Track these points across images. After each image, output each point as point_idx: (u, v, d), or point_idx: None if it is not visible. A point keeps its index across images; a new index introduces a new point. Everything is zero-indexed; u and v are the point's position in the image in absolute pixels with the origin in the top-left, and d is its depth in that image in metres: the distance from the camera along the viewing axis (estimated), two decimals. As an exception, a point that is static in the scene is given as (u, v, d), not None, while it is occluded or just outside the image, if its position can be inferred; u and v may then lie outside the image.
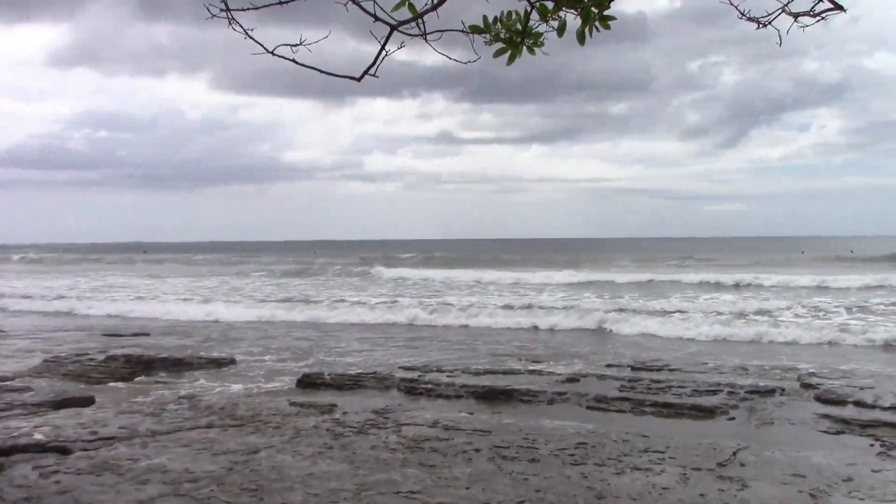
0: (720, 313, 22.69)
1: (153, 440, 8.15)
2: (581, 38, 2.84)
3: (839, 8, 3.05)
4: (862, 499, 6.49)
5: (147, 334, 19.76)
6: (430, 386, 11.74)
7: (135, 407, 10.05)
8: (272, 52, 2.94)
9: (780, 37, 3.05)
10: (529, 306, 25.40)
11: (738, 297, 28.43)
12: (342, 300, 28.72)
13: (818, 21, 3.08)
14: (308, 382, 12.23)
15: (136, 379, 12.89)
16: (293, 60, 2.93)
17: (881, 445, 8.31)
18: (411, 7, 2.80)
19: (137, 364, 13.63)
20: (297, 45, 2.85)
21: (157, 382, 12.64)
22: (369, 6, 2.76)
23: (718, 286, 33.49)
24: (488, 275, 39.60)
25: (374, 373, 13.00)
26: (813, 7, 3.08)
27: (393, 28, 2.85)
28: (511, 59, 2.93)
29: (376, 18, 2.80)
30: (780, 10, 3.08)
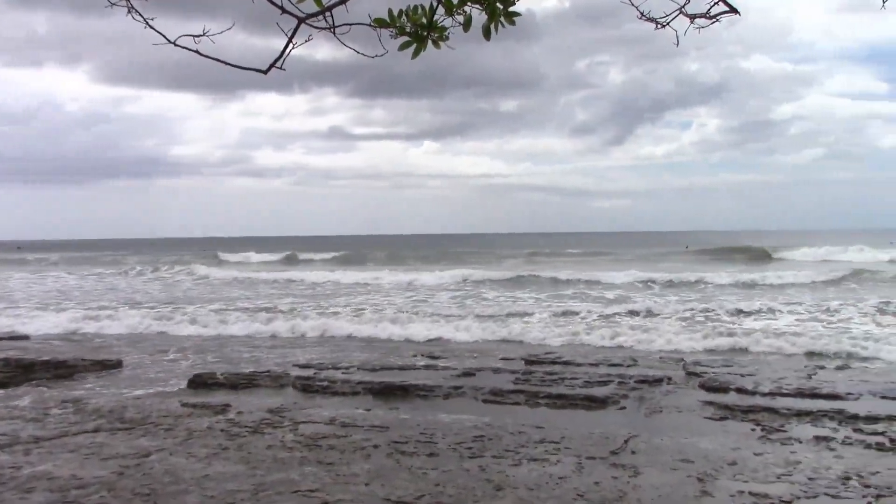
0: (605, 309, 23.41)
1: (37, 446, 7.79)
2: (487, 33, 2.86)
3: (734, 11, 3.18)
4: (746, 481, 6.78)
5: (27, 337, 18.90)
6: (325, 383, 11.64)
7: (15, 413, 9.58)
8: (174, 43, 2.85)
9: (677, 38, 3.16)
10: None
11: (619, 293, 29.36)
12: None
13: (713, 23, 3.20)
14: (200, 383, 11.94)
15: (16, 383, 12.29)
16: (196, 52, 2.85)
17: (762, 430, 8.72)
18: (318, 1, 2.77)
19: (17, 368, 12.99)
20: (201, 35, 2.78)
21: (39, 386, 12.09)
22: (275, -3, 2.72)
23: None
24: (384, 275, 39.44)
25: (268, 371, 12.81)
26: (709, 10, 3.20)
27: (301, 20, 2.81)
28: (416, 53, 2.93)
29: (283, 10, 2.76)
30: (678, 12, 3.19)
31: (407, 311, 22.92)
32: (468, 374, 12.39)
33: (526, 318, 21.01)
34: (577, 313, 22.26)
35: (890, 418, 9.16)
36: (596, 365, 13.14)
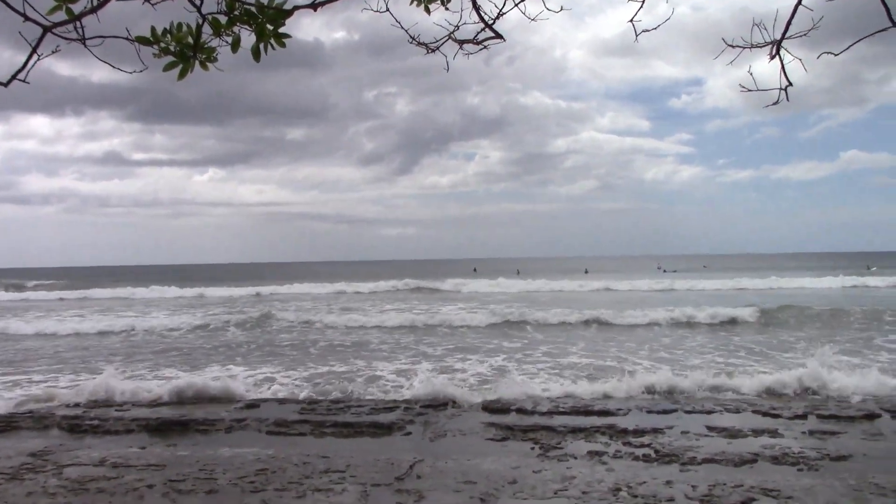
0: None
1: None
2: (256, 54, 2.77)
3: (499, 37, 3.29)
4: (525, 498, 7.00)
5: None
6: (96, 422, 10.88)
7: None
8: None
9: (447, 63, 3.23)
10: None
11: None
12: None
13: (481, 49, 3.30)
14: (-51, 428, 10.79)
15: None
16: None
17: (540, 448, 9.05)
18: (69, 10, 2.56)
19: None
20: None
21: None
22: (18, 4, 2.49)
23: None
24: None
25: (30, 412, 11.80)
26: (476, 35, 3.30)
27: (46, 30, 2.59)
28: (182, 74, 2.78)
29: (26, 18, 2.53)
30: (447, 38, 3.26)
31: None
32: (252, 405, 12.01)
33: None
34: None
35: (655, 430, 9.81)
36: (385, 392, 13.17)
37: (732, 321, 24.94)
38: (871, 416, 10.43)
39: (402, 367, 16.32)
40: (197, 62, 2.80)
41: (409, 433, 10.15)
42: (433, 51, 3.24)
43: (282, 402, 12.44)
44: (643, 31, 3.38)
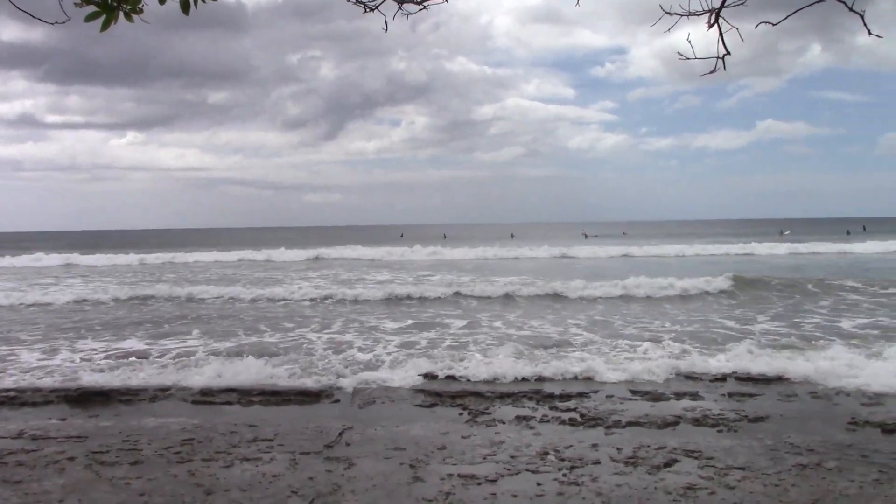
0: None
1: None
2: (185, 7, 2.64)
3: (443, -2, 3.23)
4: (455, 464, 7.04)
5: None
6: (13, 393, 10.54)
7: None
8: None
9: (385, 22, 3.15)
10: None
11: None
12: None
13: (421, 10, 3.22)
14: None
15: None
16: None
17: (468, 414, 9.10)
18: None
19: None
20: None
21: None
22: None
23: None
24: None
25: (-59, 383, 11.36)
26: (417, -6, 3.22)
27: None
28: (105, 25, 2.64)
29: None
30: (389, -4, 3.18)
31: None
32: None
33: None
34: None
35: (581, 395, 9.97)
36: (311, 356, 13.06)
37: (705, 294, 24.18)
38: (783, 379, 10.79)
39: (332, 337, 16.18)
40: (122, 13, 2.66)
41: (338, 400, 10.10)
42: (372, 9, 3.16)
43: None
44: (578, -6, 3.34)
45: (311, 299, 23.15)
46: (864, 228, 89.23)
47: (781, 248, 49.80)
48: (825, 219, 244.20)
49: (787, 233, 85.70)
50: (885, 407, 9.24)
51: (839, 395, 9.90)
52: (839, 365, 11.19)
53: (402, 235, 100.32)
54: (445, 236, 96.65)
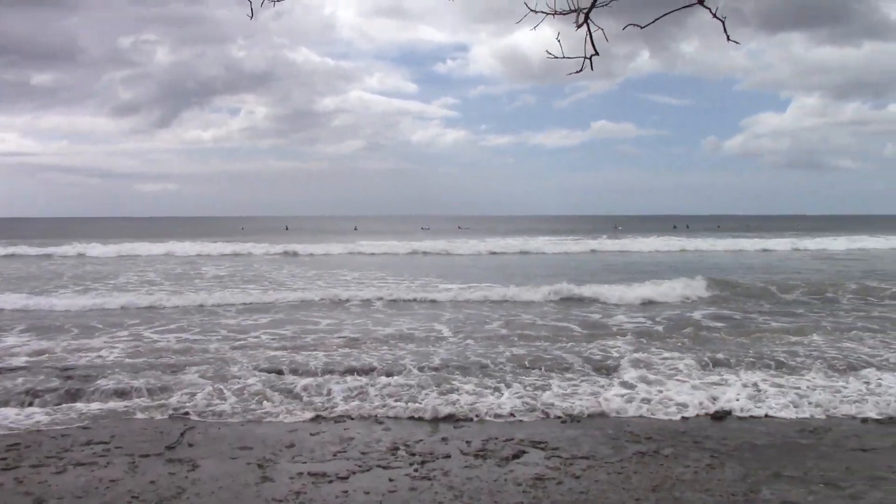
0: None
1: None
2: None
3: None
4: (304, 462, 6.90)
5: None
6: None
7: None
8: None
9: (251, 9, 3.00)
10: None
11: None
12: None
13: (280, -1, 3.08)
14: None
15: None
16: None
17: (315, 410, 8.94)
18: None
19: None
20: None
21: None
22: None
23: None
24: None
25: None
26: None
27: None
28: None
29: None
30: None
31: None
32: (-1, 374, 10.95)
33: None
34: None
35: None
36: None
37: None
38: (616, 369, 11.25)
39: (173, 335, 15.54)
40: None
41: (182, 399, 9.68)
42: None
43: (31, 369, 11.41)
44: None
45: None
46: (687, 226, 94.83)
47: (613, 245, 52.00)
48: (654, 216, 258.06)
49: (620, 228, 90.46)
50: (713, 395, 9.78)
51: (672, 385, 10.39)
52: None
53: (242, 229, 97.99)
54: (287, 228, 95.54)
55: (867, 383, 10.12)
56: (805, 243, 50.70)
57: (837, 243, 50.99)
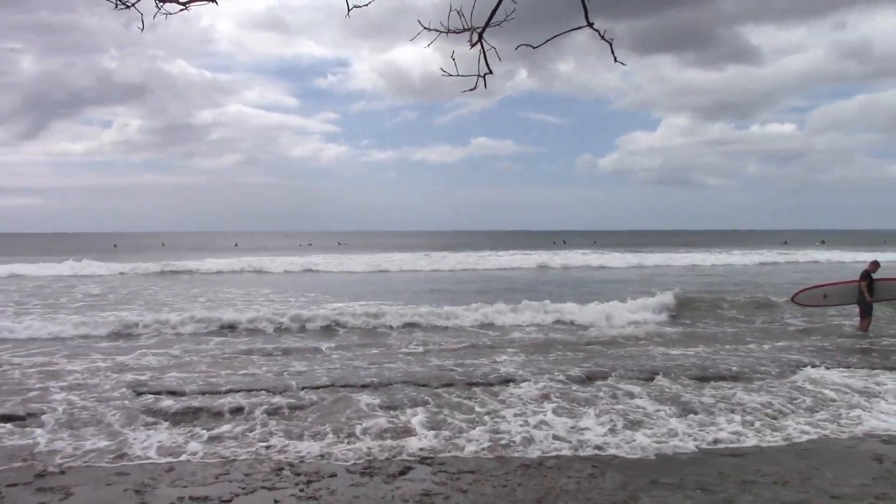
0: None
1: None
2: None
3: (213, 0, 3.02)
4: (186, 486, 6.68)
5: None
6: None
7: None
8: None
9: (142, 21, 2.89)
10: None
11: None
12: None
13: (182, 10, 2.99)
14: None
15: None
16: None
17: (197, 430, 8.66)
18: None
19: None
20: None
21: None
22: None
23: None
24: None
25: None
26: (184, -5, 2.98)
27: None
28: None
29: None
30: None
31: None
32: None
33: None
34: None
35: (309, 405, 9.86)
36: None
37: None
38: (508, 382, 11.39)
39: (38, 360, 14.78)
40: None
41: (44, 424, 9.21)
42: (127, 6, 2.88)
43: None
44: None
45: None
46: (564, 242, 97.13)
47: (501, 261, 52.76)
48: (534, 231, 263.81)
49: (565, 242, 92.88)
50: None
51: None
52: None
53: (115, 245, 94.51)
54: (164, 245, 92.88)
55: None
56: (676, 258, 52.97)
57: (704, 257, 53.70)
